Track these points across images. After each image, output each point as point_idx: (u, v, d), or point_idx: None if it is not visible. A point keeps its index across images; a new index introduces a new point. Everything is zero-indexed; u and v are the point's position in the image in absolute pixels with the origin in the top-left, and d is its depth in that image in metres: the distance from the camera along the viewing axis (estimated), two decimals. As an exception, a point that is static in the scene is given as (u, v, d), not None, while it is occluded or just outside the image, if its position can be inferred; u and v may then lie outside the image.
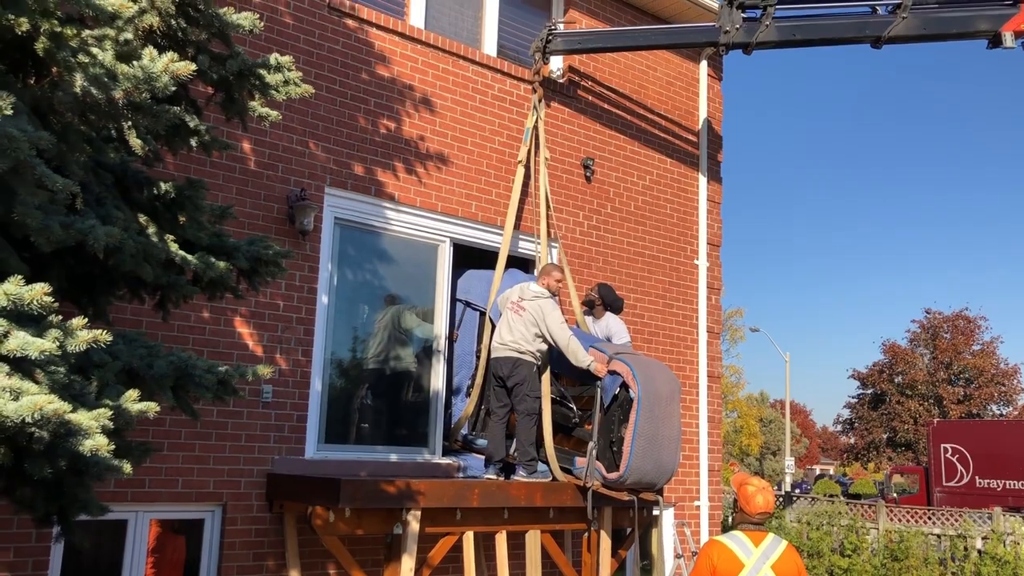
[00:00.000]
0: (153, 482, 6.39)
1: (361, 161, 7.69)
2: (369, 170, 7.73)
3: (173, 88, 3.02)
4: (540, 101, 8.84)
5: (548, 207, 8.62)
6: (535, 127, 8.72)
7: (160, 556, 6.77)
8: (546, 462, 7.44)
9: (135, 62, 2.89)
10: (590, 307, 8.42)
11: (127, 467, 3.11)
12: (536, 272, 8.05)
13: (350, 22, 7.79)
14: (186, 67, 3.02)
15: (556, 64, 9.43)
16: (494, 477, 7.34)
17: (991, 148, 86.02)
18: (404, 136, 8.01)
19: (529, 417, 7.31)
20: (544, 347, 7.44)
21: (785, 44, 8.55)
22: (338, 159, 7.55)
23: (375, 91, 7.86)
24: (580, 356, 7.23)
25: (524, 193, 8.65)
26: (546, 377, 7.56)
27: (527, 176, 8.67)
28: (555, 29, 8.85)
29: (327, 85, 7.57)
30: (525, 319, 7.35)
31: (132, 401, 3.16)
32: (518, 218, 8.58)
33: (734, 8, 8.42)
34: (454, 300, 8.43)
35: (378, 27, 7.95)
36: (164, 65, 2.92)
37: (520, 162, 8.63)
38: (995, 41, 8.43)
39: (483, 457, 7.66)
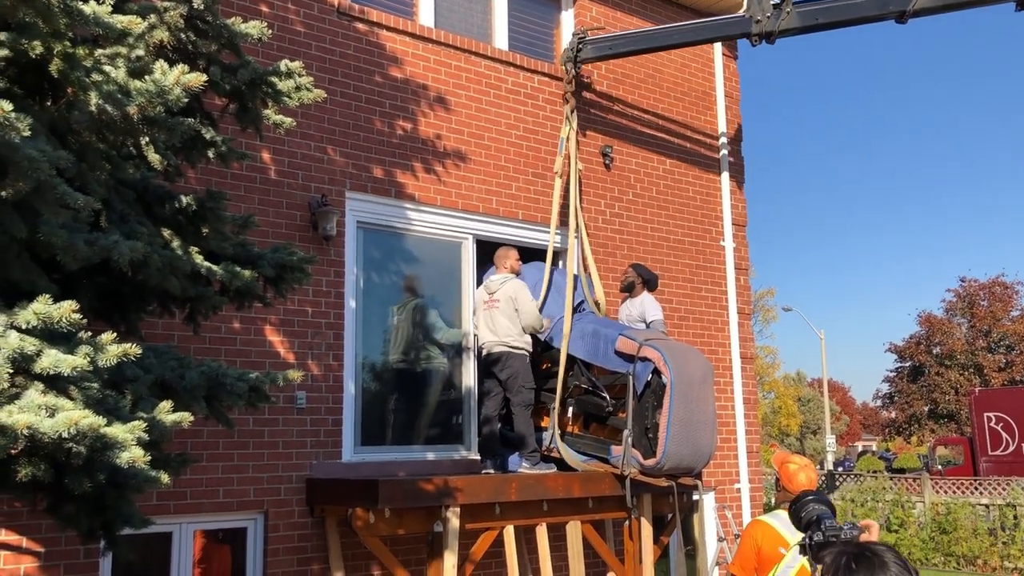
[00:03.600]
0: (195, 493, 6.47)
1: (380, 163, 7.72)
2: (388, 172, 7.76)
3: (186, 100, 3.04)
4: (573, 112, 8.76)
5: (580, 221, 8.58)
6: (568, 138, 8.66)
7: (207, 567, 6.86)
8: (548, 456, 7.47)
9: (147, 77, 2.92)
10: (630, 290, 8.39)
11: (165, 478, 3.15)
12: (498, 264, 7.98)
13: (360, 25, 7.81)
14: (197, 79, 3.04)
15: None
16: (492, 472, 7.38)
17: (1016, 111, 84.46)
18: (421, 136, 8.02)
19: (525, 408, 7.40)
20: (529, 337, 7.55)
21: (809, 29, 8.36)
22: (357, 163, 7.59)
23: (389, 93, 7.88)
24: (537, 323, 7.58)
25: (565, 200, 8.62)
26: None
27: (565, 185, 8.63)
28: (584, 37, 8.81)
29: (341, 90, 7.60)
30: (504, 310, 7.43)
31: (166, 413, 3.20)
32: (561, 223, 8.56)
33: None
34: (481, 297, 8.44)
35: (388, 28, 7.97)
36: (176, 78, 2.95)
37: (557, 173, 8.59)
38: (1022, 3, 8.25)
39: (518, 451, 7.68)
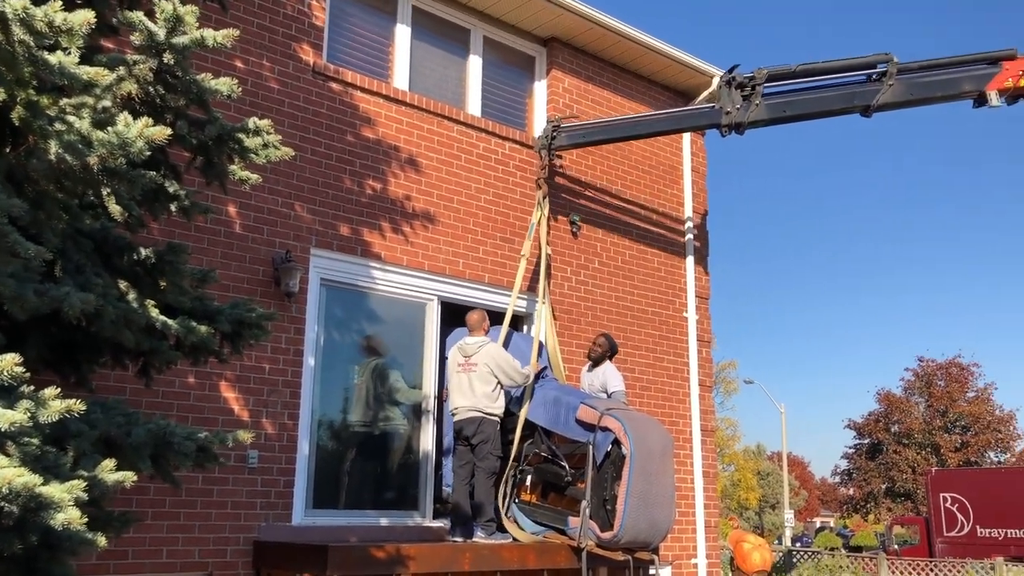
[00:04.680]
0: (137, 553, 6.25)
1: (347, 221, 7.70)
2: (355, 230, 7.74)
3: (148, 153, 3.01)
4: (545, 198, 8.86)
5: (547, 305, 8.64)
6: (538, 223, 8.72)
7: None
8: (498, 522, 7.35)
9: (109, 128, 2.88)
10: (599, 362, 8.34)
11: (102, 540, 3.01)
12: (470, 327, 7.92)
13: (335, 85, 7.87)
14: (161, 132, 3.02)
15: (543, 124, 9.49)
16: (460, 540, 7.23)
17: (982, 191, 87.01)
18: (390, 196, 8.04)
19: (489, 476, 7.29)
20: (503, 403, 7.47)
21: (777, 121, 8.57)
22: (324, 220, 7.56)
23: (360, 152, 7.91)
24: (522, 378, 7.63)
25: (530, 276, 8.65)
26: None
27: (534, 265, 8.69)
28: (559, 124, 8.97)
29: (312, 148, 7.61)
30: (481, 374, 7.35)
31: (108, 471, 3.09)
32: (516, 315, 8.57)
33: (733, 88, 8.50)
34: (443, 359, 8.37)
35: (362, 90, 8.03)
36: (139, 130, 2.92)
37: (523, 256, 8.63)
38: (980, 100, 8.55)
39: (475, 520, 7.53)
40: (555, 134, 8.97)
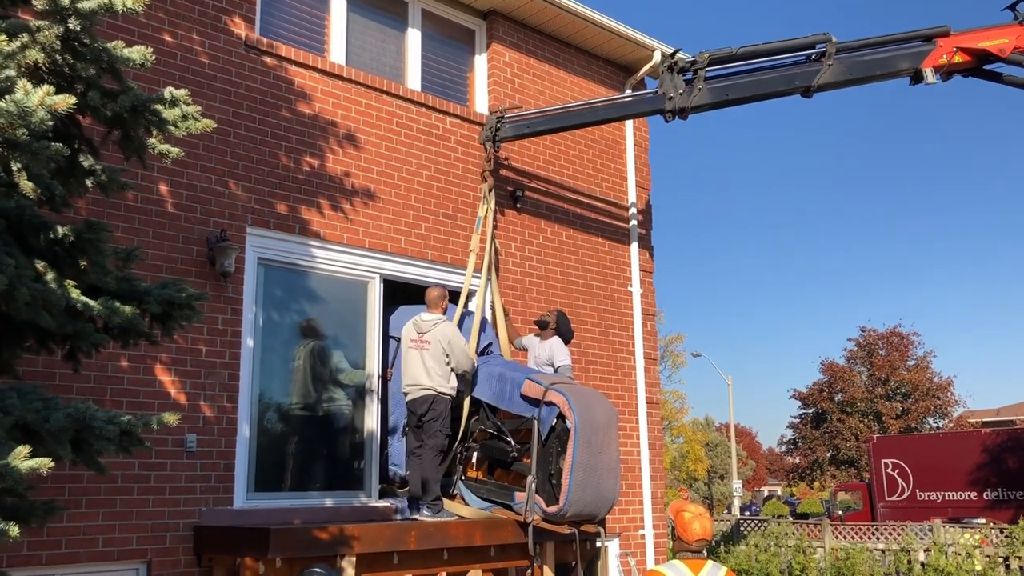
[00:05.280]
0: (71, 542, 6.08)
1: (284, 199, 7.53)
2: (293, 208, 7.58)
3: (50, 123, 2.86)
4: (491, 190, 8.76)
5: (501, 307, 8.60)
6: (485, 217, 8.62)
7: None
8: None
9: (7, 96, 2.73)
10: (543, 327, 8.32)
11: (14, 530, 2.89)
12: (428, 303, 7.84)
13: (269, 60, 7.67)
14: (65, 100, 2.87)
15: (482, 108, 9.38)
16: (420, 518, 7.19)
17: (921, 167, 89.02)
18: (328, 173, 7.88)
19: (437, 454, 7.24)
20: (456, 382, 7.43)
21: (720, 104, 8.56)
22: (260, 198, 7.39)
23: (296, 128, 7.73)
24: (470, 366, 7.57)
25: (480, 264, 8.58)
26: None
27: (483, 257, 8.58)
28: (503, 116, 8.84)
29: (246, 124, 7.42)
30: (434, 352, 7.29)
31: (22, 458, 2.96)
32: (469, 294, 8.46)
33: (675, 74, 8.45)
34: (387, 337, 8.27)
35: (298, 64, 7.84)
36: (40, 98, 2.76)
37: (472, 250, 8.54)
38: (916, 77, 8.67)
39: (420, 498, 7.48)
40: (499, 125, 8.85)
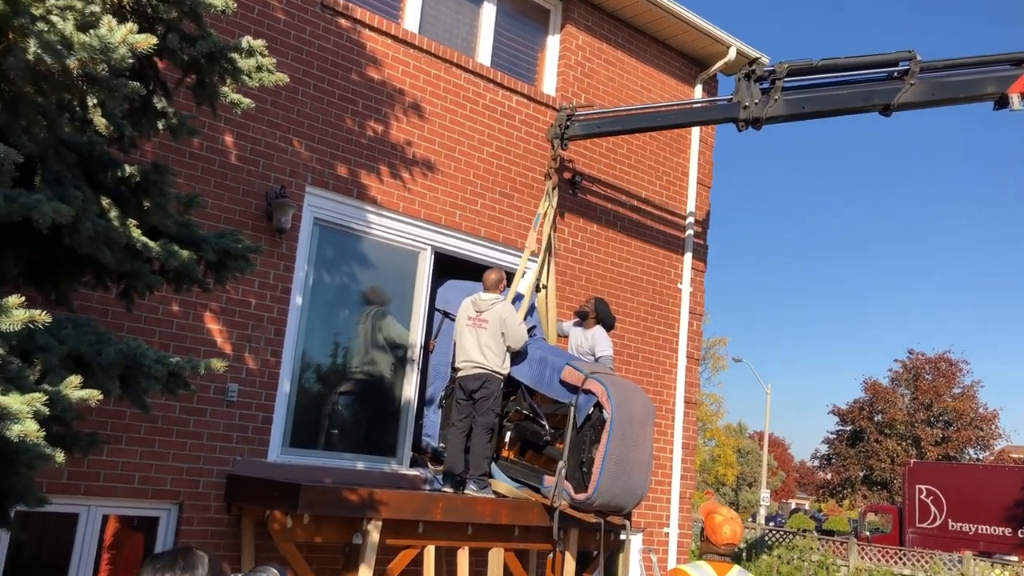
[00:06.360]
0: (108, 476, 6.21)
1: (345, 162, 7.57)
2: (353, 172, 7.61)
3: (131, 60, 2.88)
4: (554, 188, 8.68)
5: (554, 297, 8.54)
6: (545, 214, 8.55)
7: (116, 553, 6.58)
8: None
9: (92, 31, 2.76)
10: (583, 318, 8.29)
11: (60, 456, 2.95)
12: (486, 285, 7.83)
13: (343, 21, 7.69)
14: (146, 40, 2.89)
15: (550, 89, 9.31)
16: (451, 491, 7.21)
17: (986, 193, 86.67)
18: (391, 140, 7.89)
19: (487, 432, 7.25)
20: (509, 363, 7.46)
21: (795, 117, 8.40)
22: (321, 158, 7.43)
23: (364, 92, 7.75)
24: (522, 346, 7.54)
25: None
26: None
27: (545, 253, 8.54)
28: (573, 113, 8.74)
29: (315, 83, 7.45)
30: (492, 331, 7.29)
31: (73, 388, 3.01)
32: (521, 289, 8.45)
33: (752, 82, 8.29)
34: (432, 309, 8.30)
35: (371, 28, 7.85)
36: (122, 36, 2.79)
37: (528, 248, 8.50)
38: (1002, 102, 8.40)
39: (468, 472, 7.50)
40: (568, 123, 8.75)
